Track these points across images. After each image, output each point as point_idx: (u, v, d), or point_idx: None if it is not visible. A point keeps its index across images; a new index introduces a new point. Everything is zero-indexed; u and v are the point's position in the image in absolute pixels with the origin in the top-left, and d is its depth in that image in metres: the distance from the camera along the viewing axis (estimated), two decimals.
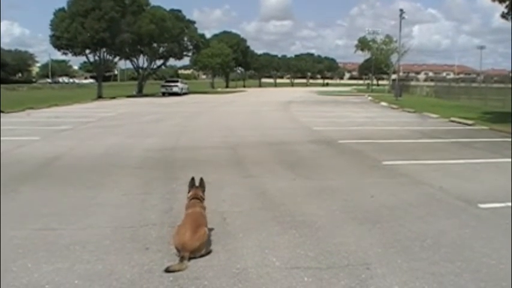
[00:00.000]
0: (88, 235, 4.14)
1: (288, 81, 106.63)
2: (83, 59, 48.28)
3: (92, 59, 37.28)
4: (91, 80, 72.20)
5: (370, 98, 35.68)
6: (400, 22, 41.95)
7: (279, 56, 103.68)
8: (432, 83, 44.49)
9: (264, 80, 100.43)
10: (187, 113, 19.80)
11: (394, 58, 62.46)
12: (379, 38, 65.17)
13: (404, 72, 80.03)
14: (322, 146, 9.69)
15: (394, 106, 24.00)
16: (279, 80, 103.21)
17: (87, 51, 36.25)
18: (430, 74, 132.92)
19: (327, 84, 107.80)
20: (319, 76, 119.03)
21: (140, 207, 5.09)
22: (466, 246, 3.91)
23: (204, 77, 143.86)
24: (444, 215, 4.80)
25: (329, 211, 4.94)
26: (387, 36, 63.74)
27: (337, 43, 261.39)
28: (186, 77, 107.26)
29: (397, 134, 11.91)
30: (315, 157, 8.36)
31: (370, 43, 66.36)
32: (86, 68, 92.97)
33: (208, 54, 63.79)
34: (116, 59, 43.39)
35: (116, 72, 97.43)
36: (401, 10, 42.33)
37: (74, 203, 5.21)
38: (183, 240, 3.37)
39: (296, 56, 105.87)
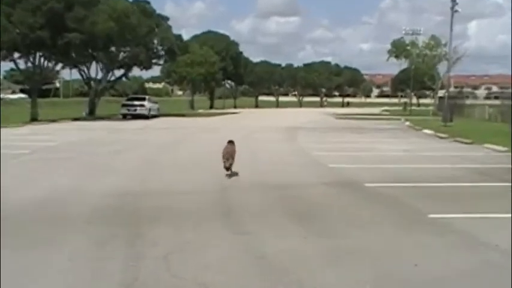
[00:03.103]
0: None
1: (294, 99, 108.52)
2: (8, 65, 48.42)
3: (22, 66, 37.56)
4: (21, 95, 71.22)
5: (408, 123, 36.18)
6: (452, 17, 39.82)
7: (283, 65, 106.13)
8: (497, 101, 44.64)
9: (262, 98, 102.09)
10: (158, 142, 19.99)
11: (442, 67, 63.53)
12: (421, 40, 66.35)
13: (456, 87, 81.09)
14: (343, 191, 9.84)
15: (442, 135, 24.34)
16: (282, 98, 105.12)
17: (16, 54, 36.44)
18: (494, 88, 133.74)
19: (348, 104, 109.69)
20: (337, 93, 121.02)
21: (91, 277, 5.12)
22: None
23: (180, 93, 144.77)
24: None
25: (354, 284, 4.96)
26: (432, 37, 64.37)
27: (362, 48, 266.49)
28: (156, 94, 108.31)
29: (446, 174, 12.12)
30: (333, 206, 8.47)
31: (409, 47, 67.42)
32: (13, 77, 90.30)
33: (187, 62, 65.11)
34: (58, 67, 44.21)
35: (57, 84, 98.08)
36: (452, 0, 39.49)
37: None
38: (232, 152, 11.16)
39: (306, 65, 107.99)
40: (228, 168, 11.21)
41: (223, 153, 11.42)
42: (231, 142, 11.78)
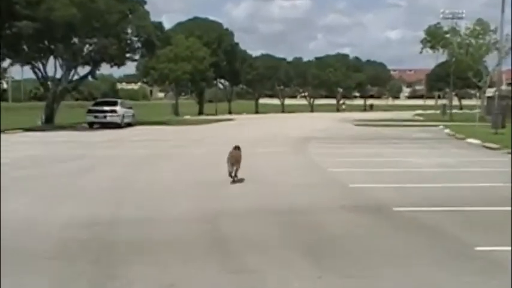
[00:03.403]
0: None
1: (304, 102, 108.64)
2: None
3: None
4: None
5: (447, 130, 36.36)
6: None
7: (289, 59, 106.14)
8: None
9: (263, 101, 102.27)
10: (134, 159, 20.08)
11: (491, 60, 63.09)
12: (464, 26, 65.91)
13: (510, 84, 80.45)
14: (366, 217, 9.91)
15: (492, 145, 24.40)
16: (289, 101, 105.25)
17: None
18: None
19: (371, 108, 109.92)
20: (357, 94, 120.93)
21: None
22: None
23: (161, 95, 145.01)
24: None
25: None
26: (478, 21, 63.78)
27: (388, 36, 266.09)
28: (132, 96, 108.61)
29: (496, 196, 12.13)
30: (355, 236, 8.52)
31: (448, 35, 66.97)
32: None
33: (169, 57, 65.36)
34: (6, 64, 44.01)
35: (5, 85, 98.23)
36: None
37: None
38: (237, 157, 13.63)
39: (318, 59, 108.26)
40: (232, 175, 13.51)
41: (228, 158, 13.71)
42: (237, 148, 14.10)
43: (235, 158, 13.65)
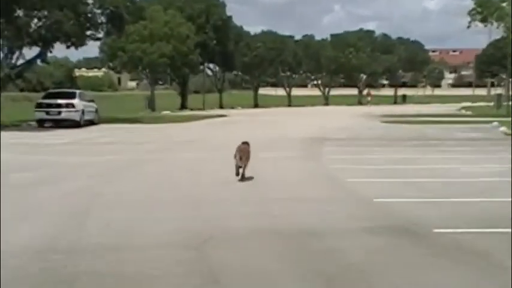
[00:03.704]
0: None
1: (317, 93, 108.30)
2: None
3: None
4: None
5: (503, 128, 36.52)
6: None
7: (297, 38, 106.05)
8: None
9: (264, 91, 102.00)
10: (100, 166, 20.24)
11: None
12: None
13: None
14: (397, 241, 9.96)
15: None
16: (297, 91, 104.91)
17: None
18: None
19: (405, 100, 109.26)
20: (385, 81, 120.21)
21: None
22: None
23: (132, 85, 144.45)
24: None
25: None
26: None
27: (426, 7, 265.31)
28: (94, 86, 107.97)
29: None
30: (384, 267, 8.50)
31: (505, 3, 66.56)
32: None
33: (143, 35, 65.06)
34: None
35: None
36: None
37: None
38: (246, 152, 16.26)
39: (334, 37, 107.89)
40: (239, 171, 16.01)
41: (236, 152, 16.05)
42: (245, 143, 16.70)
43: (243, 151, 16.08)
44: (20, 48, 45.44)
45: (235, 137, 30.79)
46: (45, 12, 43.19)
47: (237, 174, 15.83)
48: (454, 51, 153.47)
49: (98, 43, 60.22)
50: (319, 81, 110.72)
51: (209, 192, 14.61)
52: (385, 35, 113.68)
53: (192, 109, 73.34)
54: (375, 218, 11.68)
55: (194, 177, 17.58)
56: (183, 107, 76.48)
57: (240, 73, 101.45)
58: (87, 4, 45.34)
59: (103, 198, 14.17)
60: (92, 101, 46.53)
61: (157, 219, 11.74)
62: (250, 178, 15.95)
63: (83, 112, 42.43)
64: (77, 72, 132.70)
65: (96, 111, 45.63)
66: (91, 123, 42.89)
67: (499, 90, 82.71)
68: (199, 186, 15.62)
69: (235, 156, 15.92)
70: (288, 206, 13.06)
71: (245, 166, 15.93)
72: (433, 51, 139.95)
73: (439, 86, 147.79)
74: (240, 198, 13.98)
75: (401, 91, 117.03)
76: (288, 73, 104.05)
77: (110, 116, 47.80)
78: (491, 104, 76.07)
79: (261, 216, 12.01)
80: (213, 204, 13.23)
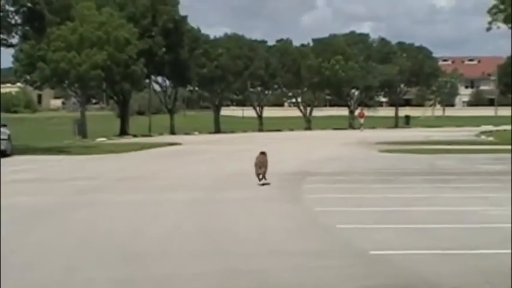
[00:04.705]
0: None
1: (295, 113, 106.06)
2: None
3: None
4: None
5: None
6: None
7: (271, 43, 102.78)
8: None
9: (227, 111, 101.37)
10: (12, 214, 17.51)
11: None
12: None
13: None
14: None
15: None
16: (270, 112, 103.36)
17: None
18: None
19: (408, 122, 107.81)
20: (383, 99, 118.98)
21: None
22: None
23: (57, 103, 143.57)
24: None
25: None
26: None
27: (434, 4, 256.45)
28: (7, 106, 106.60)
29: None
30: None
31: None
32: None
33: (70, 40, 61.89)
34: None
35: None
36: None
37: None
38: (264, 161, 25.40)
39: (318, 42, 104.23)
40: (261, 177, 22.24)
41: (256, 162, 22.62)
42: (263, 153, 23.19)
43: (262, 162, 22.78)
44: None
45: (192, 175, 29.59)
46: None
47: (259, 179, 22.72)
48: (471, 60, 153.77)
49: (12, 50, 58.33)
50: (299, 99, 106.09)
51: (148, 250, 12.47)
52: (382, 40, 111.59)
53: (135, 135, 71.83)
54: (375, 277, 10.43)
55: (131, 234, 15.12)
56: (123, 132, 73.81)
57: (196, 89, 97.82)
58: None
59: (20, 250, 12.52)
60: (5, 125, 44.02)
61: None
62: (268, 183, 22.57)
63: None
64: None
65: (9, 138, 43.08)
66: (2, 154, 40.20)
67: None
68: (146, 241, 13.78)
69: (255, 165, 22.87)
70: (263, 264, 11.42)
71: (264, 172, 22.77)
72: (444, 60, 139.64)
73: (451, 104, 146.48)
74: (196, 250, 12.59)
75: (404, 111, 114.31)
76: (259, 88, 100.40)
77: (28, 145, 46.61)
78: None
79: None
80: (159, 263, 11.37)
